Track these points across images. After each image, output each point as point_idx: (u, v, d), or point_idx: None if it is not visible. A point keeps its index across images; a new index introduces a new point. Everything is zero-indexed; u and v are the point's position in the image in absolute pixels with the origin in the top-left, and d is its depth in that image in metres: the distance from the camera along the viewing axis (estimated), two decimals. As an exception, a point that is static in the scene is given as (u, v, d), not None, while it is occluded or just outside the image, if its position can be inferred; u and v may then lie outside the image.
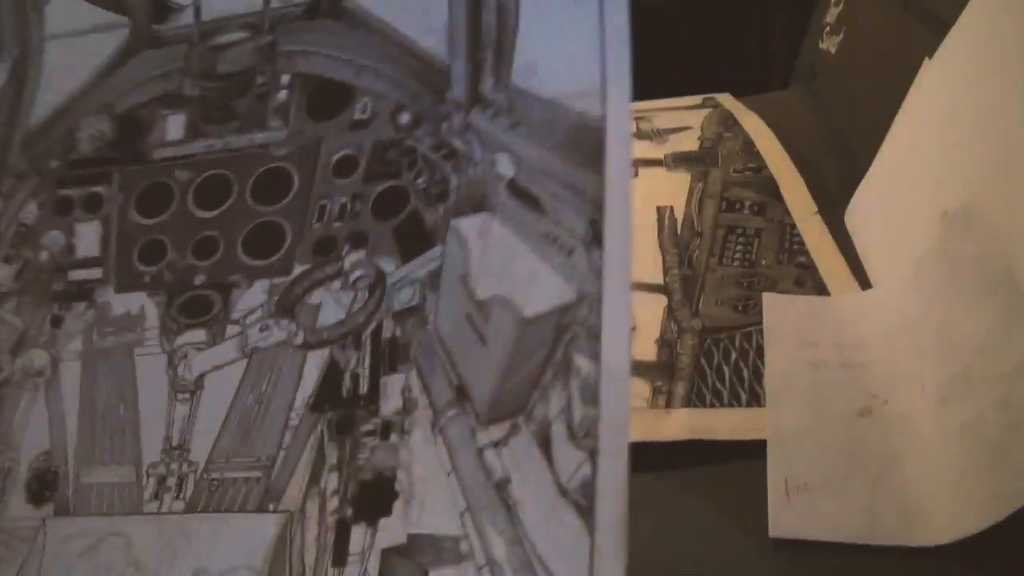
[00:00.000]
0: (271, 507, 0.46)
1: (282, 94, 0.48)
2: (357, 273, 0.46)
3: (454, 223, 0.45)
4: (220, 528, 0.47)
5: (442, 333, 0.45)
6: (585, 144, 0.42)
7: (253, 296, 0.47)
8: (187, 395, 0.47)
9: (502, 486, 0.43)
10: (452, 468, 0.44)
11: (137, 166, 0.50)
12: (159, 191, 0.49)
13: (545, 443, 0.42)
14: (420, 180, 0.46)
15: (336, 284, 0.46)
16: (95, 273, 0.50)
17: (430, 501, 0.44)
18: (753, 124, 0.99)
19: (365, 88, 0.47)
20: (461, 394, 0.44)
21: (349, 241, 0.47)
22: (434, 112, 0.46)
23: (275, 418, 0.46)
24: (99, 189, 0.50)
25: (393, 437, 0.45)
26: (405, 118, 0.47)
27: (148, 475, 0.47)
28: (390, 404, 0.45)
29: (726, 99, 1.12)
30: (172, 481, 0.47)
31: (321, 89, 0.48)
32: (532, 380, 0.42)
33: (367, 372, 0.46)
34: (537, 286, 0.43)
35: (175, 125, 0.49)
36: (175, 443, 0.47)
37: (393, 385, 0.45)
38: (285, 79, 0.48)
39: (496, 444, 0.43)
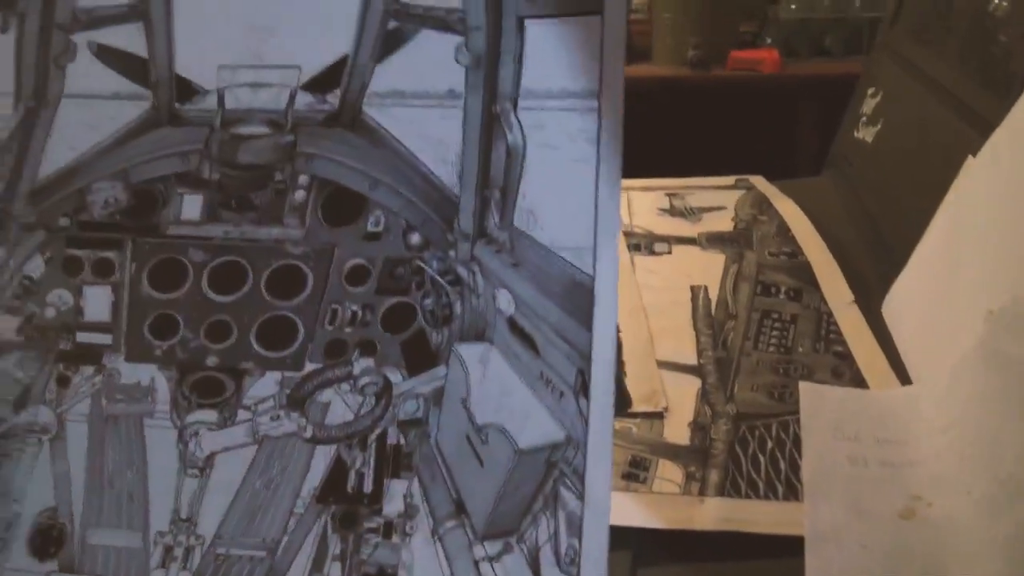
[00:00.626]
0: None
1: (299, 194, 0.50)
2: (366, 379, 0.48)
3: (457, 348, 0.48)
4: None
5: (443, 448, 0.48)
6: (577, 298, 0.45)
7: (265, 386, 0.49)
8: (197, 471, 0.48)
9: None
10: (451, 574, 0.46)
11: (151, 238, 0.51)
12: (173, 267, 0.51)
13: (535, 565, 0.46)
14: (427, 301, 0.49)
15: (345, 386, 0.49)
16: (104, 339, 0.51)
17: None
18: (788, 208, 0.99)
19: (379, 202, 0.50)
20: (460, 508, 0.47)
21: (359, 347, 0.49)
22: (442, 238, 0.49)
23: (282, 504, 0.48)
24: (110, 255, 0.51)
25: (395, 537, 0.47)
26: (415, 239, 0.49)
27: (155, 543, 0.48)
28: (393, 506, 0.47)
29: (759, 181, 1.13)
30: (179, 551, 0.48)
31: (337, 196, 0.50)
32: (524, 506, 0.46)
33: (371, 473, 0.48)
34: (531, 422, 0.46)
35: (191, 205, 0.51)
36: (184, 515, 0.48)
37: (396, 489, 0.47)
38: (303, 179, 0.50)
39: (491, 559, 0.46)
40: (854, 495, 0.54)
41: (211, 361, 0.50)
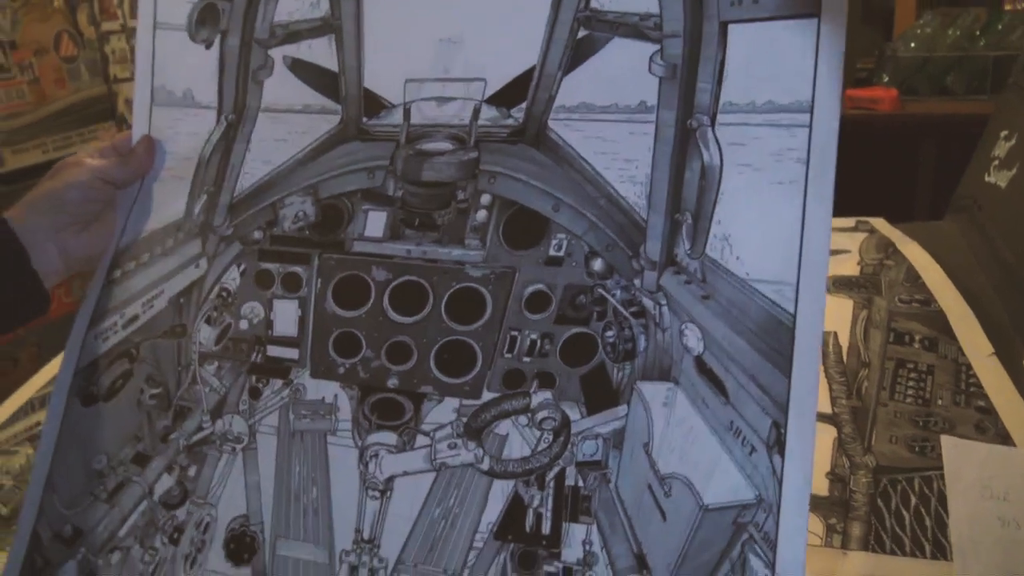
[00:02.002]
0: None
1: (481, 214, 0.49)
2: (544, 414, 0.46)
3: (640, 387, 0.45)
4: None
5: (624, 496, 0.44)
6: (775, 339, 0.41)
7: (443, 412, 0.48)
8: (377, 493, 0.48)
9: None
10: None
11: (335, 254, 0.51)
12: (356, 284, 0.50)
13: None
14: (609, 333, 0.46)
15: (523, 419, 0.47)
16: (292, 353, 0.51)
17: None
18: (916, 253, 0.96)
19: (562, 225, 0.47)
20: (641, 563, 0.43)
21: (538, 379, 0.47)
22: (627, 266, 0.46)
23: (461, 536, 0.46)
24: (298, 269, 0.51)
25: None
26: (598, 265, 0.46)
27: (341, 561, 0.48)
28: (572, 552, 0.45)
29: (882, 224, 1.09)
30: (364, 572, 0.47)
31: (519, 217, 0.48)
32: (709, 569, 0.41)
33: (549, 514, 0.45)
34: (718, 476, 0.42)
35: (375, 222, 0.50)
36: (366, 536, 0.47)
37: (575, 535, 0.45)
38: (485, 199, 0.48)
39: None
40: (1006, 557, 0.51)
41: (391, 382, 0.49)
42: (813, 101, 0.42)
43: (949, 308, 0.81)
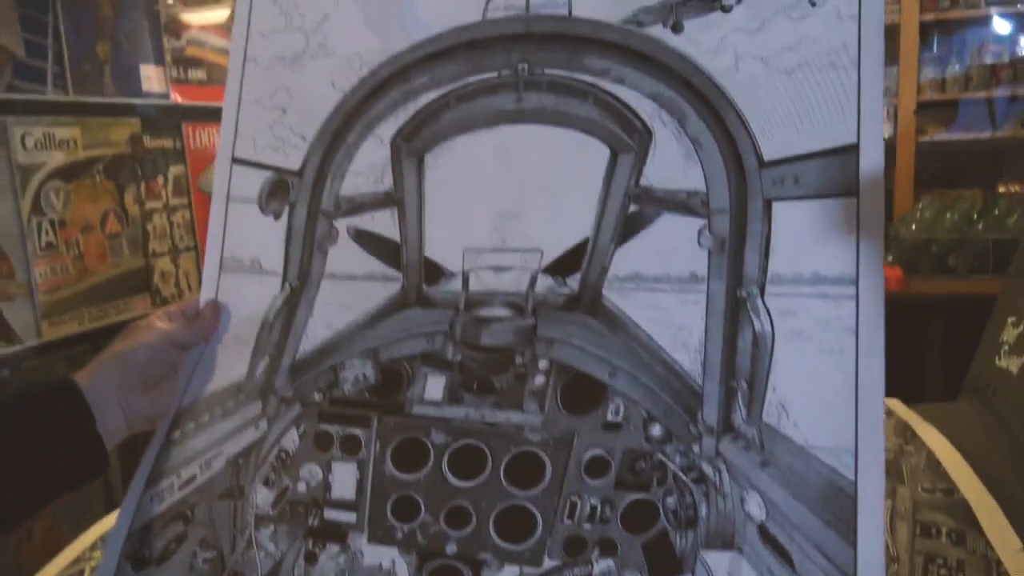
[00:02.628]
0: None
1: (539, 379, 0.49)
2: None
3: (704, 555, 0.44)
4: None
5: None
6: (837, 506, 0.41)
7: None
8: None
9: None
10: None
11: (395, 417, 0.51)
12: (415, 447, 0.50)
13: None
14: (670, 499, 0.46)
15: None
16: (350, 517, 0.50)
17: None
18: (934, 439, 0.96)
19: (619, 390, 0.48)
20: None
21: (599, 546, 0.46)
22: (685, 432, 0.46)
23: None
24: (357, 432, 0.51)
25: None
26: (657, 430, 0.47)
27: None
28: None
29: (898, 406, 1.10)
30: None
31: (576, 382, 0.49)
32: None
33: None
34: None
35: (435, 386, 0.51)
36: None
37: None
38: (543, 364, 0.49)
39: None
40: None
41: (450, 548, 0.48)
42: (858, 274, 0.43)
43: (972, 498, 0.81)
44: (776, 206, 0.46)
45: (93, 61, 1.33)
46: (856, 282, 0.44)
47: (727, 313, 0.46)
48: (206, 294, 0.57)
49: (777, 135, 0.46)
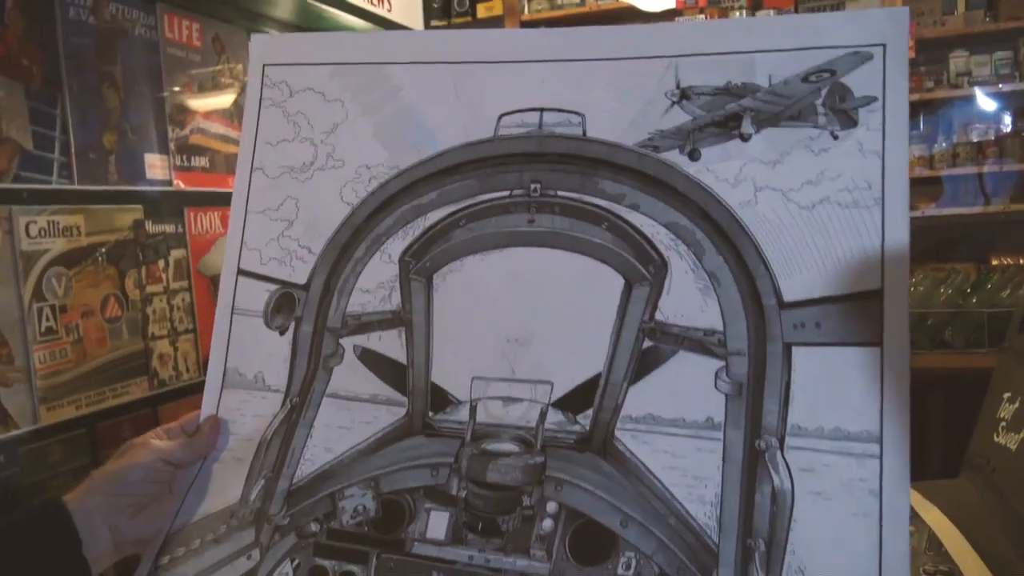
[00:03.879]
0: None
1: (547, 523, 0.47)
2: None
3: None
4: None
5: None
6: None
7: None
8: None
9: None
10: None
11: (395, 555, 0.48)
12: None
13: None
14: None
15: None
16: None
17: None
18: (937, 519, 0.95)
19: (630, 542, 0.45)
20: None
21: None
22: None
23: None
24: (355, 569, 0.48)
25: None
26: None
27: None
28: None
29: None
30: None
31: (586, 530, 0.46)
32: None
33: None
34: None
35: (437, 523, 0.48)
36: None
37: None
38: (552, 507, 0.47)
39: None
40: None
41: None
42: (882, 431, 0.42)
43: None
44: (796, 352, 0.44)
45: (99, 151, 1.36)
46: (880, 440, 0.42)
47: (745, 465, 0.44)
48: (207, 409, 0.56)
49: (798, 275, 0.44)
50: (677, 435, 0.45)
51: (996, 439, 1.15)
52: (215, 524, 0.52)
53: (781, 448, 0.43)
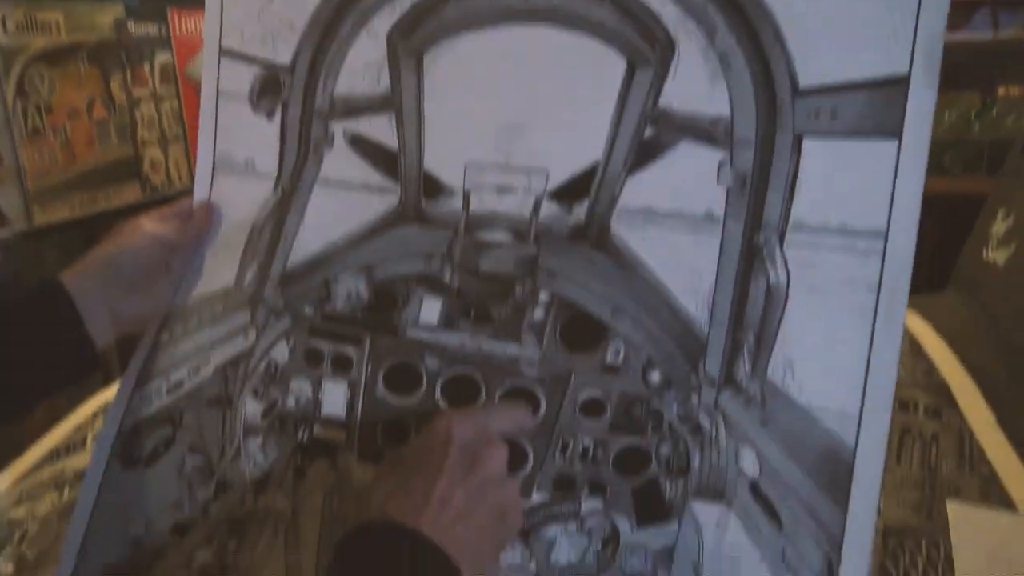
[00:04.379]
0: None
1: (539, 312, 0.46)
2: (593, 522, 0.44)
3: (693, 506, 0.43)
4: None
5: None
6: (833, 471, 0.39)
7: None
8: None
9: None
10: None
11: (389, 338, 0.48)
12: (408, 372, 0.48)
13: None
14: (663, 447, 0.43)
15: (572, 525, 0.44)
16: (339, 435, 0.49)
17: None
18: (917, 325, 0.98)
19: (620, 332, 0.45)
20: None
21: (589, 486, 0.44)
22: (685, 380, 0.43)
23: None
24: (349, 350, 0.49)
25: None
26: (655, 377, 0.44)
27: None
28: None
29: (883, 297, 1.12)
30: None
31: (577, 320, 0.45)
32: None
33: None
34: None
35: (430, 309, 0.48)
36: None
37: None
38: (544, 297, 0.46)
39: None
40: (1013, 622, 0.52)
41: None
42: (888, 229, 0.39)
43: (952, 379, 0.83)
44: (807, 143, 0.41)
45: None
46: (886, 238, 0.39)
47: (741, 260, 0.42)
48: (199, 195, 0.54)
49: (817, 57, 0.41)
50: (675, 228, 0.44)
51: (985, 256, 1.16)
52: (211, 305, 0.53)
53: (781, 243, 0.41)
